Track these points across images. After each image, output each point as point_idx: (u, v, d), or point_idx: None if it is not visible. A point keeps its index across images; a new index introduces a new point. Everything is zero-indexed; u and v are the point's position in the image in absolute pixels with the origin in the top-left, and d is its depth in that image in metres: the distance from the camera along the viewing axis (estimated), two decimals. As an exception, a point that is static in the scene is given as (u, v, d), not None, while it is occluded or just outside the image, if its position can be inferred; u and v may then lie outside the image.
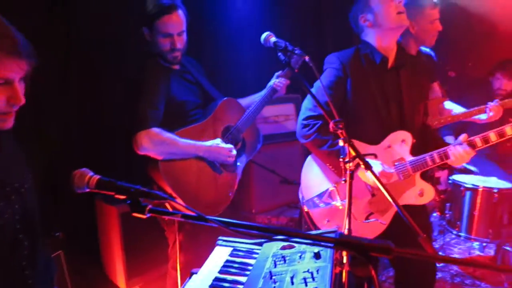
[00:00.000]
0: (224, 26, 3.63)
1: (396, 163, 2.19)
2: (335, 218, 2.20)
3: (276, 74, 2.64)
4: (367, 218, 2.18)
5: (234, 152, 2.44)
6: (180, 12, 2.32)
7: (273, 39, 1.95)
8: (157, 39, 2.32)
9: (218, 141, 2.39)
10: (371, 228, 2.17)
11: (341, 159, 1.67)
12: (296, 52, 1.86)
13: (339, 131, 1.67)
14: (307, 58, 1.83)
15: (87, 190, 1.13)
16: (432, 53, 3.18)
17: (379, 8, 2.17)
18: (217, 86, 2.66)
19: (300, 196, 2.32)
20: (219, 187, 2.42)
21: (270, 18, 3.80)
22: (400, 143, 2.19)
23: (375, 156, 2.10)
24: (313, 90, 2.22)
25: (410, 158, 2.18)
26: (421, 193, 2.19)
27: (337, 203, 2.17)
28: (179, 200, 2.22)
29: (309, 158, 2.37)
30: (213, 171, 2.40)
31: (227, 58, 3.66)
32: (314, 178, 2.30)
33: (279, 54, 1.91)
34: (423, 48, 3.08)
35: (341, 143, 1.67)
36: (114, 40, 2.94)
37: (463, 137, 2.13)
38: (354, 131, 1.86)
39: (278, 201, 3.66)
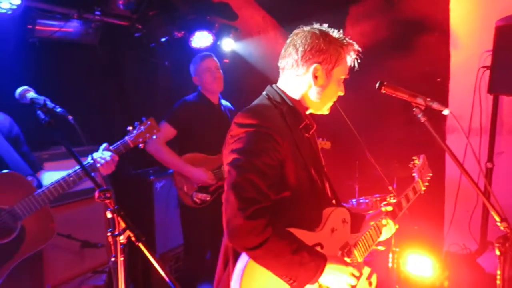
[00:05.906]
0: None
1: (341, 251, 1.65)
2: None
3: (103, 146, 2.16)
4: None
5: None
6: None
7: (31, 94, 1.68)
8: None
9: None
10: None
11: (109, 233, 1.48)
12: (58, 110, 1.62)
13: (107, 201, 1.49)
14: (70, 117, 1.61)
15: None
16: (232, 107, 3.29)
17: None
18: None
19: None
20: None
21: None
22: (342, 224, 1.67)
23: (321, 246, 1.54)
24: None
25: (352, 240, 1.69)
26: (369, 282, 1.74)
27: None
28: None
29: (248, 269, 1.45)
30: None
31: None
32: None
33: (38, 112, 1.64)
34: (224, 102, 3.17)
35: (108, 214, 1.48)
36: None
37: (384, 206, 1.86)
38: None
39: (81, 268, 3.25)
